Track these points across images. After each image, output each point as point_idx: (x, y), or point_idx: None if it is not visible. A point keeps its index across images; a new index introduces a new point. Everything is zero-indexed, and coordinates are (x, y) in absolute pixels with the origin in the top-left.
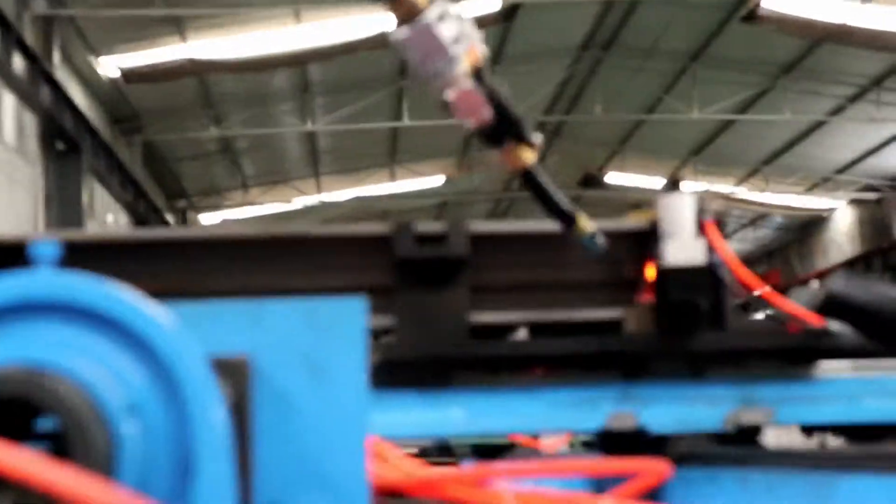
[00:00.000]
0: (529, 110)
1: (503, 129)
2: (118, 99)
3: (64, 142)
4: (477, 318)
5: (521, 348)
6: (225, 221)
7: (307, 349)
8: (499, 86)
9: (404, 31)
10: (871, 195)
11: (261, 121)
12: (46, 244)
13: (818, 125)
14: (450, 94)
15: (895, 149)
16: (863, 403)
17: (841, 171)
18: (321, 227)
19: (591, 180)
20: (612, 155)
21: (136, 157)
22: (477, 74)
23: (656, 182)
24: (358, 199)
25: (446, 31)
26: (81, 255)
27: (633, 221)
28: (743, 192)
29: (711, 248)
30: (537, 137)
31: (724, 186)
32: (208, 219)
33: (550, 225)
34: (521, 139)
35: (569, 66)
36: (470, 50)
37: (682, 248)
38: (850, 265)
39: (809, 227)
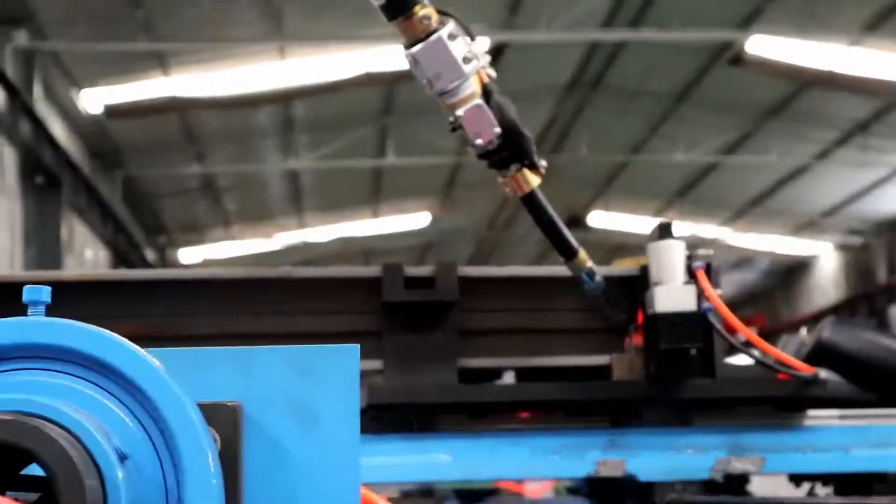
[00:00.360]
0: None
1: (510, 151)
2: (99, 134)
3: (43, 176)
4: (465, 362)
5: (508, 394)
6: (206, 261)
7: (298, 396)
8: (507, 105)
9: (417, 48)
10: (857, 239)
11: (243, 157)
12: (38, 289)
13: (804, 168)
14: (460, 113)
15: (880, 193)
16: (852, 453)
17: (826, 214)
18: (307, 269)
19: (576, 220)
20: (597, 195)
21: (117, 192)
22: (486, 94)
23: (641, 223)
24: (341, 237)
25: (457, 50)
26: (64, 296)
27: (622, 267)
28: (728, 235)
29: (701, 295)
30: (542, 162)
31: (709, 228)
32: (189, 255)
33: (538, 270)
34: (527, 161)
35: (554, 106)
36: (479, 70)
37: (672, 294)
38: (834, 310)
39: (794, 270)
